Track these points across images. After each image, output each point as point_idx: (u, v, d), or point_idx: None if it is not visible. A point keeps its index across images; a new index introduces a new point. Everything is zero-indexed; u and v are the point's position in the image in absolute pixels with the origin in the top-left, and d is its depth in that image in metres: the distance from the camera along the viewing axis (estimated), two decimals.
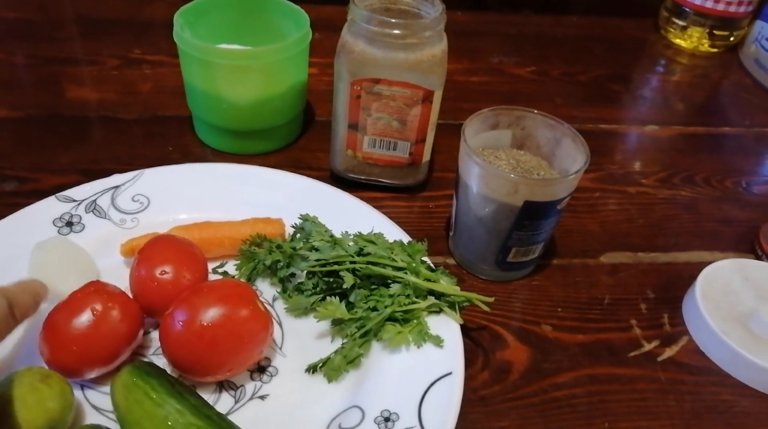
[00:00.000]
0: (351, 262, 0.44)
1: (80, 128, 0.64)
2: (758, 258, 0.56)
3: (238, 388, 0.41)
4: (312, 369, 0.42)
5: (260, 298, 0.46)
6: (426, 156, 0.57)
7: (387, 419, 0.38)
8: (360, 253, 0.45)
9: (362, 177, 0.58)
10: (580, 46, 0.90)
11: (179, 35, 0.56)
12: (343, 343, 0.43)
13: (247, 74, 0.56)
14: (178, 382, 0.37)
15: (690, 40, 0.91)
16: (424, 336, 0.42)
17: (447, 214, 0.57)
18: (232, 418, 0.39)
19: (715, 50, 0.91)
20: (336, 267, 0.44)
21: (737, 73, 0.88)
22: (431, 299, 0.44)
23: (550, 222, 0.47)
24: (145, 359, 0.42)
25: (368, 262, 0.44)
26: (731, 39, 0.90)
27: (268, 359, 0.43)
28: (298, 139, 0.65)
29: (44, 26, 0.79)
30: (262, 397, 0.41)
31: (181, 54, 0.57)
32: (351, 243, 0.45)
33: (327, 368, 0.42)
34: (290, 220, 0.51)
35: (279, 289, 0.47)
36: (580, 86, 0.81)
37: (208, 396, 0.40)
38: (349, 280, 0.43)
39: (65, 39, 0.78)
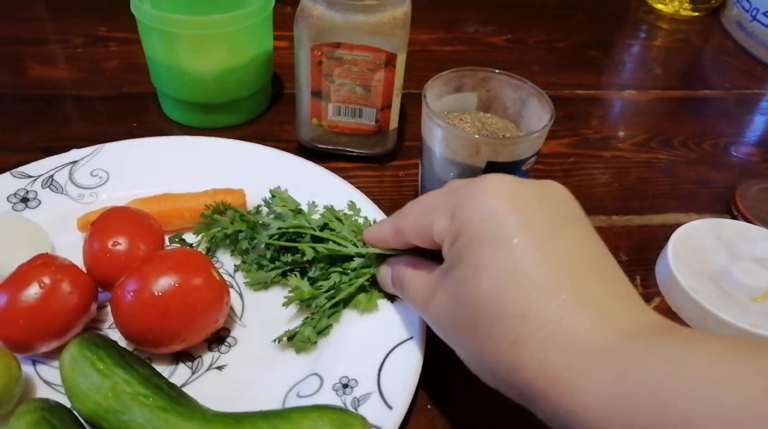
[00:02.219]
0: (312, 237, 0.43)
1: (43, 107, 0.62)
2: (734, 218, 0.55)
3: (195, 359, 0.40)
4: (279, 340, 0.41)
5: (219, 268, 0.45)
6: (393, 123, 0.55)
7: (345, 386, 0.38)
8: (324, 227, 0.43)
9: (329, 147, 0.57)
10: (559, 14, 0.88)
11: (137, 6, 0.54)
12: (311, 314, 0.41)
13: (208, 44, 0.55)
14: (128, 353, 0.36)
15: (671, 4, 0.89)
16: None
17: (417, 183, 0.56)
18: (188, 389, 0.38)
19: (696, 14, 0.89)
20: (298, 242, 0.42)
21: (719, 37, 0.86)
22: None
23: None
24: (101, 333, 0.41)
25: (329, 240, 0.42)
26: (712, 1, 0.88)
27: (227, 330, 0.42)
28: (266, 112, 0.64)
29: (7, 5, 0.77)
30: (219, 368, 0.40)
31: (140, 26, 0.56)
32: (317, 215, 0.44)
33: (297, 340, 0.40)
34: (254, 191, 0.50)
35: (239, 261, 0.46)
36: (558, 53, 0.79)
37: (164, 368, 0.39)
38: (309, 253, 0.42)
39: (30, 19, 0.76)
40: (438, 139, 0.45)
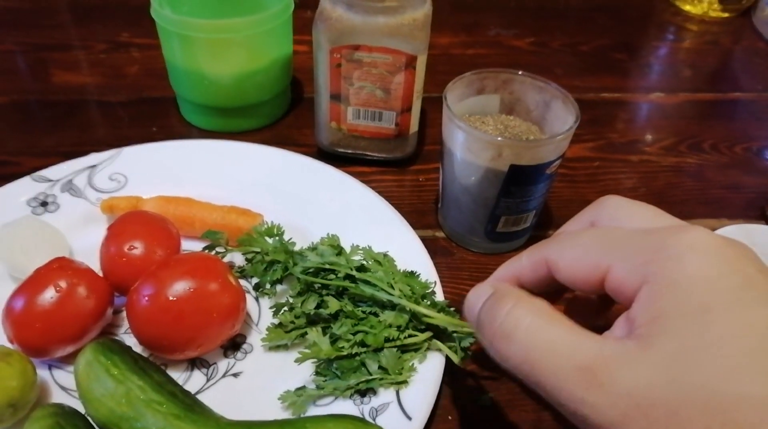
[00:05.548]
0: (347, 276, 0.40)
1: (65, 112, 0.63)
2: None
3: (210, 365, 0.40)
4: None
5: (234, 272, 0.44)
6: (413, 127, 0.54)
7: (363, 395, 0.37)
8: (361, 269, 0.41)
9: (349, 151, 0.56)
10: (583, 17, 0.87)
11: (157, 11, 0.54)
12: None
13: (227, 48, 0.55)
14: (142, 358, 0.35)
15: (700, 5, 0.87)
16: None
17: (437, 187, 0.55)
18: (203, 396, 0.38)
19: (726, 15, 0.87)
20: (331, 278, 0.40)
21: (750, 38, 0.84)
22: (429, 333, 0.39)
23: (540, 188, 0.45)
24: (116, 338, 0.40)
25: (364, 281, 0.40)
26: (743, 2, 0.86)
27: (243, 336, 0.41)
28: (285, 116, 0.63)
29: (33, 13, 0.78)
30: (235, 375, 0.39)
31: (160, 31, 0.56)
32: (357, 256, 0.42)
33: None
34: (271, 196, 0.50)
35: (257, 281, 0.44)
36: (582, 56, 0.78)
37: (179, 374, 0.39)
38: (333, 305, 0.39)
39: (54, 26, 0.77)
40: (459, 142, 0.44)
